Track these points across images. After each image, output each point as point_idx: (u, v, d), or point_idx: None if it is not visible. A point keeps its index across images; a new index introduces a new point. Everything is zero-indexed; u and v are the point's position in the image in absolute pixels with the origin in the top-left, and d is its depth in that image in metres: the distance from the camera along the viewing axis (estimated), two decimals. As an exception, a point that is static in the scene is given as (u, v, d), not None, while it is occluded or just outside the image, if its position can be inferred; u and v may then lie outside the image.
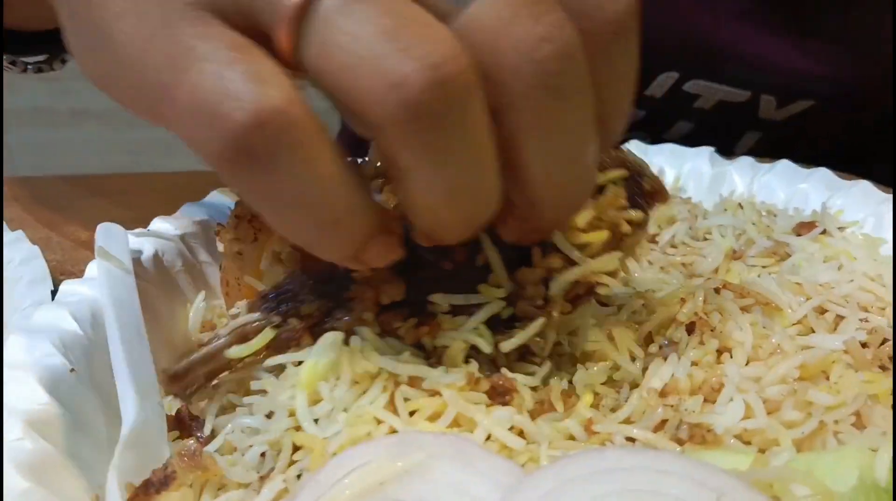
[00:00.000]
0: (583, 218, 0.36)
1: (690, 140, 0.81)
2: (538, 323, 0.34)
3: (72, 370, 0.36)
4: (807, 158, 0.70)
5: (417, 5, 0.28)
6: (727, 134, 0.82)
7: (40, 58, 0.67)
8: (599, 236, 0.36)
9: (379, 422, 0.31)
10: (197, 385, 0.38)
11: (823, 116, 0.82)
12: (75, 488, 0.31)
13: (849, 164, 0.69)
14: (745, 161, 0.62)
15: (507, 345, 0.34)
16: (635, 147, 0.65)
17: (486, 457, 0.27)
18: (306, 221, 0.30)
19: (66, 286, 0.40)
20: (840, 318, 0.40)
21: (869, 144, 0.90)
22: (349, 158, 0.30)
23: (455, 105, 0.28)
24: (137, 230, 0.45)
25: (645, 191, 0.39)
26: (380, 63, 0.27)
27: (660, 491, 0.24)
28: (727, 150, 0.67)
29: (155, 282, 0.44)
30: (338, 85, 0.28)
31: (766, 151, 0.74)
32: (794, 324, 0.39)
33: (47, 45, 0.66)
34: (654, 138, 0.81)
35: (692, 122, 0.84)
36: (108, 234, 0.42)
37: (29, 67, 0.65)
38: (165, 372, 0.37)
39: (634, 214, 0.37)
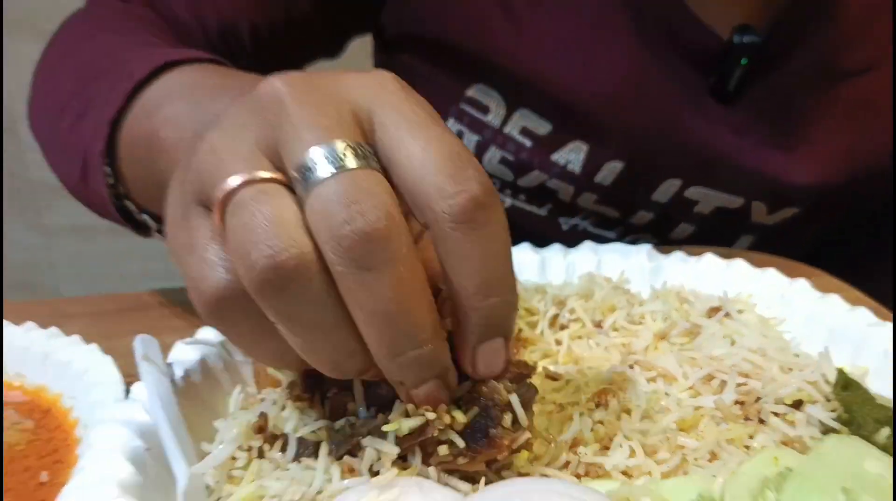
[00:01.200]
0: None
1: (693, 240, 0.90)
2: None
3: (147, 449, 0.49)
4: (800, 257, 0.81)
5: (287, 205, 0.37)
6: (724, 236, 0.91)
7: None
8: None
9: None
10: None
11: (808, 222, 0.91)
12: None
13: (841, 267, 0.80)
14: (677, 255, 0.75)
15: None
16: (588, 247, 0.78)
17: (439, 488, 0.39)
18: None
19: (136, 388, 0.54)
20: (724, 383, 0.52)
21: (856, 246, 1.01)
22: None
23: (289, 285, 0.36)
24: (188, 340, 0.59)
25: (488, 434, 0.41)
26: (244, 251, 0.36)
27: (548, 505, 0.37)
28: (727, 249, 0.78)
29: (201, 380, 0.57)
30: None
31: (762, 251, 0.83)
32: (686, 389, 0.52)
33: None
34: (662, 239, 0.92)
35: (694, 225, 0.91)
36: (145, 343, 0.55)
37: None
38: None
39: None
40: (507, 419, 0.41)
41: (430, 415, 0.40)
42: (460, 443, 0.41)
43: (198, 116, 0.54)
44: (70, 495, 0.46)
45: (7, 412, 0.61)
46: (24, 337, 0.65)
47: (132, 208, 0.67)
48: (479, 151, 0.89)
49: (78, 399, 0.60)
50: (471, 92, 0.86)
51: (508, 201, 0.94)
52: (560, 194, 0.90)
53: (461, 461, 0.41)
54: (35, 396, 0.62)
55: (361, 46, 0.98)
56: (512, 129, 0.87)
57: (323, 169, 0.36)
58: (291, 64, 0.88)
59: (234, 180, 0.37)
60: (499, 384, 0.42)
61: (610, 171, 0.87)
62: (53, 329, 0.66)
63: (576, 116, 0.84)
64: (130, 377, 0.61)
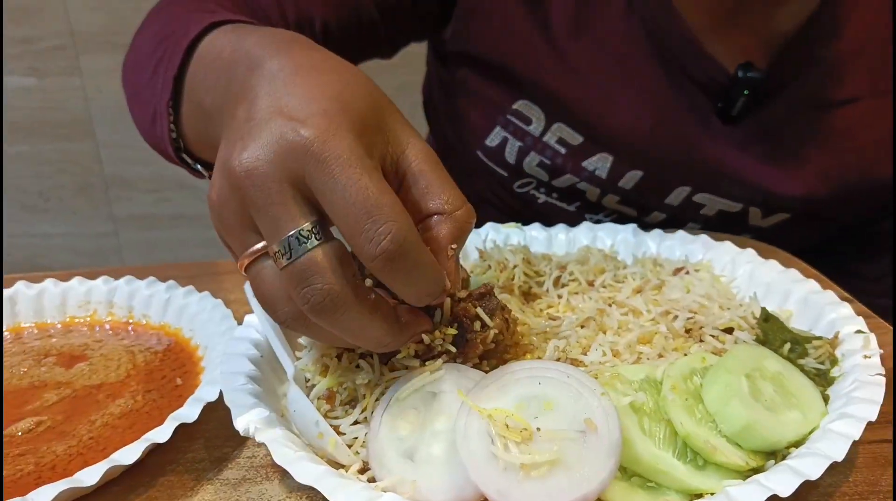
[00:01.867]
0: None
1: None
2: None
3: (261, 356, 0.69)
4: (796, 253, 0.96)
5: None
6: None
7: None
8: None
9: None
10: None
11: (798, 226, 1.04)
12: (272, 405, 0.63)
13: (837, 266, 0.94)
14: (656, 232, 0.93)
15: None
16: (586, 226, 0.97)
17: (472, 370, 0.59)
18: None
19: (248, 317, 0.73)
20: (676, 317, 0.71)
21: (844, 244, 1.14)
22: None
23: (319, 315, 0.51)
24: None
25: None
26: (271, 301, 0.55)
27: (543, 376, 0.56)
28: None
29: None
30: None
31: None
32: (649, 320, 0.71)
33: None
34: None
35: (699, 224, 1.06)
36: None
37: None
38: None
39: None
40: (477, 325, 0.60)
41: (428, 339, 0.59)
42: (452, 349, 0.60)
43: (220, 94, 0.61)
44: (210, 383, 0.66)
45: (140, 341, 0.81)
46: (147, 288, 0.85)
47: (188, 159, 0.77)
48: (521, 155, 1.05)
49: (196, 332, 0.79)
50: (516, 105, 1.02)
51: (543, 198, 1.10)
52: (588, 195, 1.07)
53: (458, 360, 0.60)
54: (160, 330, 0.82)
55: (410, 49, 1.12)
56: (550, 138, 1.03)
57: (281, 257, 0.51)
58: (351, 58, 1.06)
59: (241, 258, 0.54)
60: (467, 305, 0.61)
61: (631, 178, 1.03)
62: (171, 282, 0.86)
63: (603, 133, 1.00)
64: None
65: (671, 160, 1.01)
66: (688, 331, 0.69)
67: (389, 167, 0.54)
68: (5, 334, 0.82)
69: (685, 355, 0.64)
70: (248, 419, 0.58)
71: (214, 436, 0.66)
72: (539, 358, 0.64)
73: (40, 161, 1.97)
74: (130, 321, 0.85)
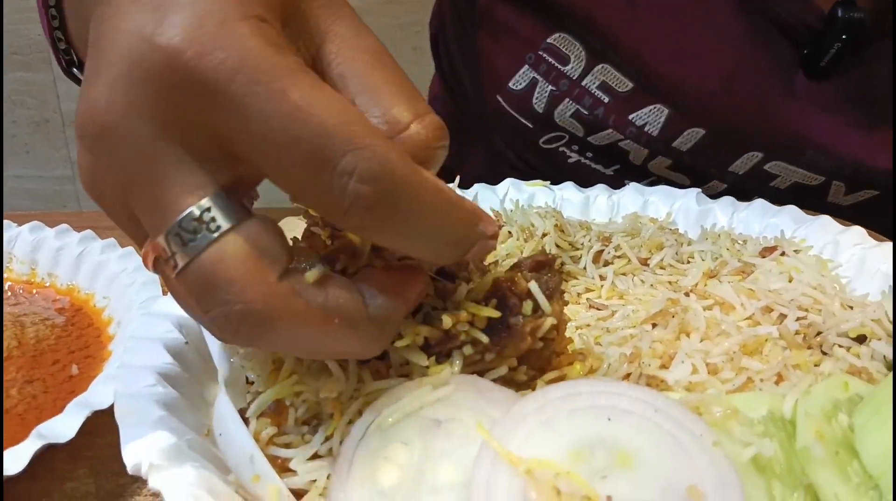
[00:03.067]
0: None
1: None
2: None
3: (186, 342, 0.47)
4: None
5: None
6: None
7: None
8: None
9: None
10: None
11: (884, 205, 0.88)
12: (194, 419, 0.42)
13: None
14: (727, 200, 0.73)
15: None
16: (633, 188, 0.76)
17: (495, 387, 0.38)
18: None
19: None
20: (783, 316, 0.50)
21: None
22: None
23: None
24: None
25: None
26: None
27: (614, 406, 0.35)
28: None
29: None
30: None
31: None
32: (745, 319, 0.50)
33: None
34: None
35: (767, 199, 0.87)
36: None
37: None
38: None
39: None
40: (528, 306, 0.40)
41: (449, 322, 0.38)
42: (483, 339, 0.39)
43: None
44: (105, 381, 0.45)
45: (36, 308, 0.59)
46: (56, 239, 0.64)
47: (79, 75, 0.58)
48: (552, 104, 0.86)
49: (112, 299, 0.58)
50: (552, 39, 0.83)
51: (575, 157, 0.92)
52: (631, 156, 0.88)
53: (489, 356, 0.39)
54: (66, 295, 0.61)
55: None
56: (591, 82, 0.84)
57: (169, 260, 0.32)
58: None
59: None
60: (516, 275, 0.40)
61: (690, 137, 0.84)
62: (88, 232, 0.64)
63: (662, 81, 0.82)
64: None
65: (743, 118, 0.82)
66: (801, 336, 0.48)
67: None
68: None
69: (815, 375, 0.43)
70: (141, 448, 0.37)
71: (108, 458, 0.45)
72: (593, 373, 0.43)
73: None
74: (32, 280, 0.64)
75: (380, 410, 0.38)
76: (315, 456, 0.39)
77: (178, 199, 0.32)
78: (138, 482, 0.44)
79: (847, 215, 0.83)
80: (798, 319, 0.50)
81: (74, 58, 0.55)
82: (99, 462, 0.45)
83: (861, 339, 0.48)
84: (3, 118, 1.77)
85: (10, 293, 0.62)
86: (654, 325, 0.47)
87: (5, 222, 0.66)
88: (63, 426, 0.41)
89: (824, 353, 0.47)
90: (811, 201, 0.86)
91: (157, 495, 0.42)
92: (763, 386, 0.41)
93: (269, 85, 0.30)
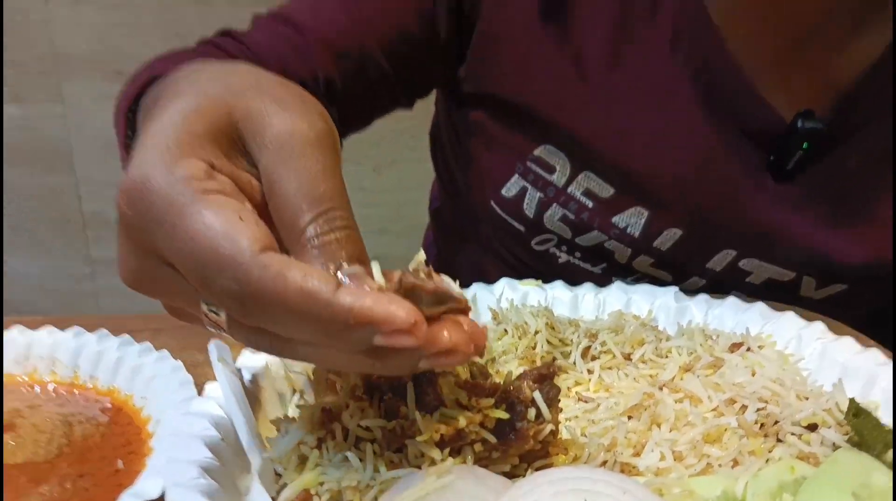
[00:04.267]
0: None
1: None
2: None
3: (221, 439, 0.54)
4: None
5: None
6: None
7: None
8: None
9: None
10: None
11: (853, 298, 0.92)
12: (233, 508, 0.49)
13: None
14: (702, 298, 0.80)
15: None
16: (618, 287, 0.83)
17: (490, 475, 0.44)
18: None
19: (210, 386, 0.59)
20: (745, 407, 0.57)
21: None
22: None
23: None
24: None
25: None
26: None
27: (592, 490, 0.42)
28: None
29: (265, 385, 0.62)
30: None
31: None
32: (711, 410, 0.57)
33: None
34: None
35: (745, 293, 0.90)
36: (219, 348, 0.60)
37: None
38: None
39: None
40: (532, 413, 0.47)
41: (463, 422, 0.46)
42: (492, 439, 0.47)
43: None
44: (153, 474, 0.51)
45: (80, 409, 0.66)
46: (97, 344, 0.71)
47: None
48: (541, 209, 0.92)
49: (149, 400, 0.65)
50: (538, 151, 0.90)
51: (564, 257, 0.97)
52: (616, 255, 0.94)
53: (495, 454, 0.47)
54: (107, 395, 0.68)
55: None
56: (575, 189, 0.90)
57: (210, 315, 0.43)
58: (363, 115, 0.94)
59: None
60: (522, 384, 0.48)
61: (669, 237, 0.90)
62: (125, 337, 0.72)
63: (639, 185, 0.87)
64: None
65: (717, 218, 0.88)
66: (759, 425, 0.55)
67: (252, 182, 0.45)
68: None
69: (766, 461, 0.50)
70: (192, 532, 0.43)
71: (157, 546, 0.51)
72: (577, 460, 0.49)
73: (16, 192, 1.83)
74: (76, 382, 0.71)
75: (392, 497, 0.45)
76: (337, 541, 0.46)
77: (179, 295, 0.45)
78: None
79: (820, 309, 0.87)
80: (758, 409, 0.56)
81: None
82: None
83: (812, 427, 0.55)
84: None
85: (55, 395, 0.69)
86: (629, 417, 0.54)
87: (48, 327, 0.74)
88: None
89: (780, 440, 0.53)
90: (784, 295, 0.90)
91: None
92: (720, 470, 0.48)
93: (176, 220, 0.40)
